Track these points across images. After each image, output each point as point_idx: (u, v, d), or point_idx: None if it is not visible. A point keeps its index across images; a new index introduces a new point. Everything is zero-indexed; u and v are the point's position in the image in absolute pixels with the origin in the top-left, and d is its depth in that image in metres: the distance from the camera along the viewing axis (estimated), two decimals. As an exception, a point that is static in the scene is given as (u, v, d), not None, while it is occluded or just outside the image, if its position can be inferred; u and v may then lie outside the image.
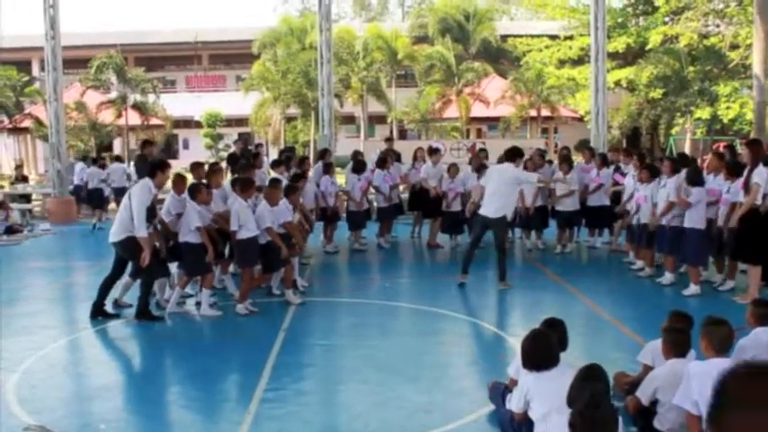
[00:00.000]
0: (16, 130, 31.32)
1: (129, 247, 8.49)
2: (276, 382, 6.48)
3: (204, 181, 9.66)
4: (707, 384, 4.22)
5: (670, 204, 9.86)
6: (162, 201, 9.48)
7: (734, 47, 28.55)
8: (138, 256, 8.41)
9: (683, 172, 9.97)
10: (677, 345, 4.98)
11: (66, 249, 15.80)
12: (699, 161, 11.36)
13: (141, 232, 8.32)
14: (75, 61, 30.01)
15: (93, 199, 18.72)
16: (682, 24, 28.58)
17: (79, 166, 19.93)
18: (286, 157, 13.07)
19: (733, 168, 9.54)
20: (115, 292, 9.17)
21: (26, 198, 21.26)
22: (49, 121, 20.04)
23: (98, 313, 8.81)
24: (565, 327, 5.27)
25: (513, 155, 10.15)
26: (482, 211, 9.96)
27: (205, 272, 8.95)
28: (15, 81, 28.51)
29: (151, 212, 8.55)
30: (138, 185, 8.68)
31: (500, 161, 10.54)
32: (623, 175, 12.43)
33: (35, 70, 39.83)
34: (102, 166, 18.94)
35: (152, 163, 9.27)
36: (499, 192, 9.84)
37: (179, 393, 6.40)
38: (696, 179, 9.55)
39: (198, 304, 9.11)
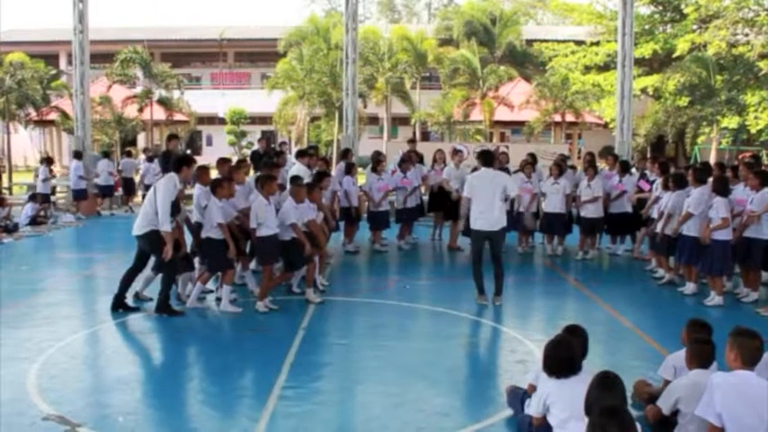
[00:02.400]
0: (42, 123, 31.60)
1: (152, 241, 8.53)
2: (294, 380, 6.48)
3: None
4: (731, 396, 4.19)
5: (688, 214, 9.77)
6: (189, 197, 9.52)
7: (763, 56, 28.25)
8: (160, 250, 8.45)
9: (709, 182, 9.87)
10: (702, 356, 4.91)
11: (88, 241, 15.90)
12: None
13: (165, 226, 8.36)
14: (102, 56, 30.23)
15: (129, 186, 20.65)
16: (710, 32, 28.30)
17: (103, 163, 19.98)
18: (314, 149, 13.15)
19: (761, 178, 9.42)
20: (137, 285, 9.22)
21: (51, 190, 21.42)
22: (75, 115, 20.22)
23: (119, 306, 8.86)
24: (586, 333, 5.23)
25: (489, 159, 9.52)
26: (481, 226, 9.28)
27: (226, 268, 8.98)
28: (43, 74, 28.73)
29: (175, 207, 8.58)
30: (163, 179, 8.70)
31: (477, 168, 9.84)
32: (649, 182, 12.34)
33: (62, 64, 40.18)
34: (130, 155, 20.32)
35: (178, 157, 9.31)
36: (490, 201, 9.22)
37: (197, 388, 6.42)
38: (722, 189, 9.44)
39: (218, 300, 9.14)
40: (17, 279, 11.25)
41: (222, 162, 10.58)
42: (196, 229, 9.10)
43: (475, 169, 12.76)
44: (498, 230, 9.29)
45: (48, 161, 19.94)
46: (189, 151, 22.99)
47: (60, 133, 34.09)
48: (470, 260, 9.70)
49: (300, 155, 12.34)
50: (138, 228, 8.60)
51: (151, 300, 9.14)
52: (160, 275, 8.95)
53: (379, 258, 13.13)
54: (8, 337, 7.88)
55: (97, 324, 8.65)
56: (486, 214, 9.23)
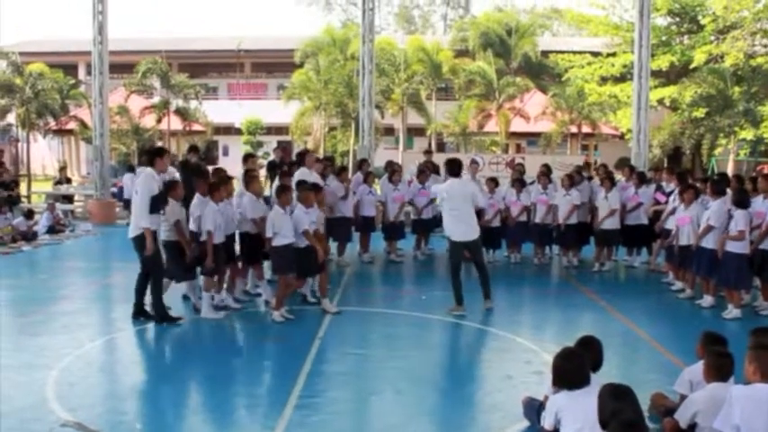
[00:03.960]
0: (61, 132, 31.86)
1: (141, 244, 8.56)
2: (311, 389, 6.49)
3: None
4: (749, 409, 4.17)
5: (709, 227, 9.72)
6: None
7: (782, 67, 28.11)
8: (149, 254, 8.53)
9: (728, 194, 9.83)
10: (721, 369, 4.88)
11: (106, 250, 16.01)
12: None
13: (143, 222, 8.43)
14: (121, 66, 30.48)
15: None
16: (728, 43, 28.17)
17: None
18: (329, 160, 13.32)
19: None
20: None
21: (69, 199, 21.64)
22: (94, 124, 20.40)
23: (139, 314, 8.88)
24: (600, 345, 5.21)
25: (457, 168, 9.54)
26: (458, 237, 9.40)
27: (212, 273, 9.03)
28: (62, 84, 28.99)
29: (159, 201, 8.63)
30: (141, 177, 8.77)
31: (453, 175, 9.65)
32: (665, 194, 12.29)
33: (81, 74, 40.50)
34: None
35: (148, 151, 9.44)
36: (465, 211, 9.38)
37: (214, 397, 6.43)
38: (742, 201, 9.39)
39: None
40: (36, 287, 11.36)
41: (248, 157, 11.11)
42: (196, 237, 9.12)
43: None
44: (473, 240, 9.47)
45: (62, 170, 20.13)
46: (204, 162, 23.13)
47: (78, 142, 34.36)
48: (449, 272, 9.79)
49: (300, 156, 12.38)
50: (131, 231, 8.69)
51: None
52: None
53: (395, 269, 13.14)
54: (27, 344, 7.97)
55: (115, 332, 8.71)
56: (462, 225, 9.38)
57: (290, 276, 9.13)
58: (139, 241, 8.56)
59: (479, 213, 13.14)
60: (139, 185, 8.56)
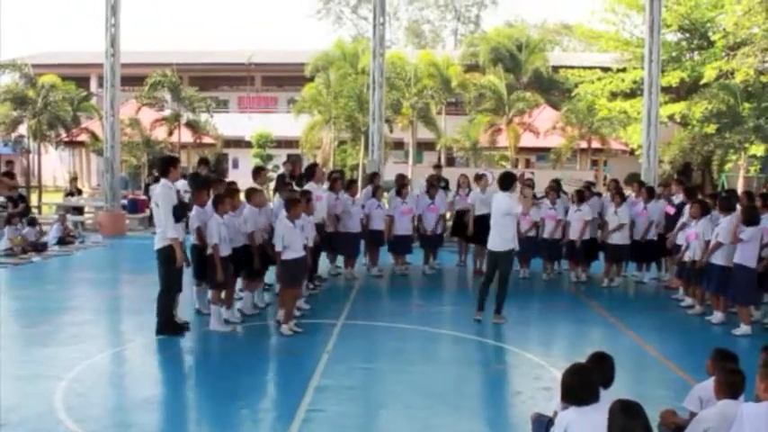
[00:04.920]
0: (72, 144, 32.01)
1: (168, 255, 8.55)
2: (319, 403, 6.49)
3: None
4: (760, 427, 4.14)
5: (718, 243, 9.69)
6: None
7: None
8: (171, 266, 8.52)
9: (738, 210, 9.80)
10: (732, 386, 4.84)
11: (115, 262, 16.07)
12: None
13: (170, 232, 8.44)
14: (132, 78, 30.60)
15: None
16: (738, 60, 28.13)
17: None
18: (339, 173, 13.46)
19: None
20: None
21: (79, 210, 21.73)
22: (105, 136, 20.49)
23: (165, 329, 8.80)
24: (612, 362, 5.18)
25: (508, 183, 9.83)
26: (490, 246, 9.84)
27: (221, 287, 9.04)
28: (74, 96, 29.13)
29: (182, 210, 8.67)
30: (158, 189, 8.74)
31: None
32: (674, 206, 12.28)
33: (93, 86, 40.75)
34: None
35: (162, 160, 9.42)
36: (499, 223, 9.71)
37: (222, 409, 6.41)
38: (752, 218, 9.36)
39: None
40: (45, 298, 11.39)
41: (258, 171, 11.21)
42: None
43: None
44: (500, 251, 9.69)
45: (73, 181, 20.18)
46: (215, 174, 23.27)
47: (89, 154, 34.52)
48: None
49: (310, 170, 12.43)
50: (156, 242, 8.68)
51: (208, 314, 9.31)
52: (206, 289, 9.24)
53: (403, 283, 13.12)
54: (37, 355, 8.00)
55: (124, 343, 8.74)
56: (493, 236, 9.77)
57: (298, 290, 9.17)
58: (165, 253, 8.57)
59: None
60: (159, 198, 8.55)
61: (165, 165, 8.92)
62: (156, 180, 9.04)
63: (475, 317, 9.81)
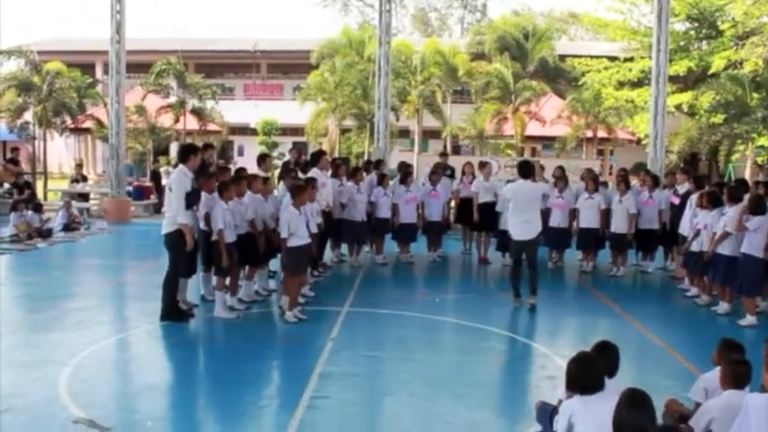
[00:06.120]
0: (77, 131, 32.00)
1: (172, 240, 8.58)
2: (323, 390, 6.48)
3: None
4: (765, 418, 4.11)
5: (725, 233, 9.65)
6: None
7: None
8: (179, 251, 8.53)
9: (745, 200, 9.74)
10: (738, 376, 4.81)
11: (121, 248, 16.10)
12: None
13: (180, 218, 8.46)
14: (137, 66, 30.58)
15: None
16: (747, 50, 27.94)
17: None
18: (344, 161, 13.47)
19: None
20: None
21: (84, 197, 21.75)
22: (110, 123, 20.48)
23: (170, 314, 8.81)
24: (617, 351, 5.16)
25: (529, 171, 9.99)
26: (517, 236, 9.86)
27: (224, 274, 9.05)
28: (79, 83, 29.11)
29: (193, 197, 8.67)
30: (174, 174, 8.83)
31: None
32: (678, 195, 12.23)
33: (98, 73, 40.68)
34: None
35: (183, 147, 9.41)
36: (531, 210, 9.80)
37: (226, 395, 6.41)
38: (759, 207, 9.31)
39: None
40: (50, 284, 11.41)
41: (262, 158, 11.38)
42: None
43: (509, 181, 12.81)
44: (530, 239, 9.81)
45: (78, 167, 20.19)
46: (222, 161, 23.27)
47: (95, 141, 34.50)
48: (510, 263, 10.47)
49: (315, 157, 12.41)
50: (165, 227, 8.70)
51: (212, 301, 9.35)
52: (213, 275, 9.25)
53: (408, 271, 13.11)
54: (41, 341, 8.01)
55: (128, 330, 8.75)
56: (519, 224, 9.80)
57: (302, 277, 9.18)
58: (172, 238, 8.58)
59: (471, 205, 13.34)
60: (174, 183, 8.61)
61: (185, 152, 8.97)
62: (176, 166, 9.04)
63: (514, 302, 10.03)
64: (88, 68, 36.62)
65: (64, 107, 27.64)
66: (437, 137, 36.49)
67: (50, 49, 36.94)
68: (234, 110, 35.87)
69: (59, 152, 37.11)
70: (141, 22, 73.37)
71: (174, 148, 34.67)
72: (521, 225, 9.79)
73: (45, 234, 15.68)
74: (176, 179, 8.61)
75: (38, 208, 16.37)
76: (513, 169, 16.54)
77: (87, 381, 6.64)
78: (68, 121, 28.86)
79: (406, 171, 13.79)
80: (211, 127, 31.31)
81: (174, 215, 8.53)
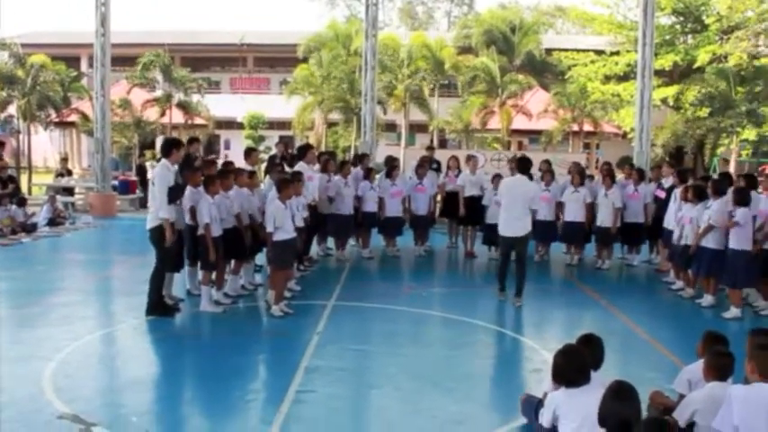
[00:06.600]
0: (62, 124, 31.83)
1: (156, 235, 8.54)
2: (309, 384, 6.48)
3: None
4: (748, 409, 4.15)
5: (710, 226, 9.70)
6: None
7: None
8: (161, 247, 8.52)
9: (729, 193, 9.80)
10: (720, 368, 4.84)
11: (106, 243, 16.02)
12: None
13: (162, 213, 8.42)
14: (123, 59, 30.38)
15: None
16: (732, 44, 28.11)
17: None
18: (330, 155, 13.43)
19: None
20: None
21: (69, 191, 21.62)
22: (95, 117, 20.36)
23: (156, 309, 8.79)
24: (601, 343, 5.19)
25: (527, 166, 9.85)
26: (507, 233, 9.69)
27: (211, 268, 9.02)
28: (64, 76, 28.93)
29: (176, 192, 8.64)
30: (157, 168, 8.79)
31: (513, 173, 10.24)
32: (663, 189, 12.28)
33: (83, 66, 40.44)
34: None
35: (166, 141, 9.36)
36: (522, 208, 9.65)
37: (212, 390, 6.40)
38: (743, 200, 9.36)
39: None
40: (35, 279, 11.34)
41: (249, 152, 11.47)
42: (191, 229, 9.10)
43: (495, 175, 12.82)
44: (521, 236, 9.68)
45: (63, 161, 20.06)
46: (213, 156, 23.25)
47: (80, 135, 34.34)
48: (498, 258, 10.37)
49: (302, 150, 12.38)
50: (149, 222, 8.66)
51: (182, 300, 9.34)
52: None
53: (395, 265, 13.11)
54: (26, 336, 7.97)
55: (114, 325, 8.71)
56: (510, 221, 9.65)
57: (289, 271, 9.17)
58: (157, 233, 8.55)
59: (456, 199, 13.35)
60: (156, 177, 8.58)
61: (167, 146, 8.92)
62: (159, 160, 8.99)
63: (499, 296, 9.99)
64: (73, 61, 36.35)
65: (48, 101, 27.46)
66: (424, 130, 36.53)
67: (35, 42, 36.68)
68: (220, 104, 35.77)
69: (44, 146, 36.87)
70: (127, 14, 72.92)
71: (159, 143, 34.54)
72: (512, 221, 9.65)
73: (29, 229, 15.57)
74: (159, 173, 8.58)
75: (22, 202, 16.25)
76: (499, 163, 16.59)
77: (72, 376, 6.60)
78: (53, 114, 28.69)
79: (391, 165, 13.77)
80: (197, 121, 31.22)
81: (156, 210, 8.50)
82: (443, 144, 35.54)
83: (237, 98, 41.00)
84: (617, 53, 31.48)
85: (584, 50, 33.21)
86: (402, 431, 5.62)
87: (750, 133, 27.75)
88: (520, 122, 31.07)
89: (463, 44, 36.62)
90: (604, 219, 12.65)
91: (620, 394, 4.08)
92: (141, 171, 23.12)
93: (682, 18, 31.66)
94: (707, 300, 10.02)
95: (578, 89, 29.53)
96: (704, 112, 28.15)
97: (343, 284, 10.94)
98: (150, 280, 8.71)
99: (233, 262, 9.76)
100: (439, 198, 14.53)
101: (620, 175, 14.06)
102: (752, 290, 10.08)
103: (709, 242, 9.75)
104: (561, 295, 11.31)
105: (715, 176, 12.97)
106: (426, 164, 14.11)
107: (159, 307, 8.72)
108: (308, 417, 5.79)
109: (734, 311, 9.33)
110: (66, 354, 7.21)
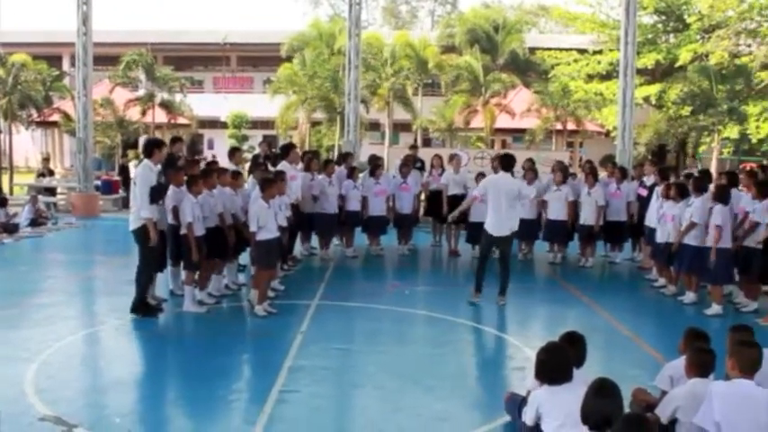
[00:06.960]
0: (44, 124, 31.60)
1: (140, 235, 8.53)
2: (292, 383, 6.47)
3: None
4: (729, 404, 4.18)
5: (692, 224, 9.76)
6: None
7: (765, 66, 28.26)
8: (145, 247, 8.49)
9: (710, 191, 9.87)
10: (702, 365, 4.87)
11: (88, 243, 15.91)
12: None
13: (144, 212, 8.41)
14: (105, 58, 30.24)
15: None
16: (713, 42, 28.31)
17: None
18: (314, 154, 13.41)
19: (763, 188, 9.41)
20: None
21: (51, 191, 21.47)
22: (78, 116, 20.20)
23: (139, 308, 8.76)
24: (584, 341, 5.21)
25: (511, 164, 9.81)
26: (492, 231, 9.56)
27: (194, 268, 8.99)
28: (45, 75, 28.72)
29: (159, 192, 8.61)
30: (139, 168, 8.77)
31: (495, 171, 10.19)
32: (646, 187, 12.34)
33: (65, 65, 40.18)
34: None
35: (148, 142, 9.37)
36: (508, 207, 9.53)
37: (195, 390, 6.38)
38: (723, 197, 9.44)
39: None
40: (16, 279, 11.26)
41: (234, 151, 11.69)
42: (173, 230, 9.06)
43: (479, 174, 12.82)
44: (506, 235, 9.61)
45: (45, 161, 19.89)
46: (199, 156, 23.15)
47: (62, 135, 34.07)
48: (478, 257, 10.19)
49: (285, 150, 12.38)
50: (131, 223, 8.64)
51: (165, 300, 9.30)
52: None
53: (379, 264, 13.11)
54: (7, 337, 7.91)
55: (96, 325, 8.67)
56: (501, 221, 9.53)
57: (272, 271, 9.16)
58: (140, 233, 8.52)
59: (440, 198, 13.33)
60: (138, 177, 8.56)
61: (149, 146, 8.93)
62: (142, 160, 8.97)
63: (472, 299, 9.73)
64: (55, 61, 36.09)
65: (30, 100, 27.26)
66: (408, 129, 36.53)
67: (15, 40, 36.32)
68: (203, 103, 35.63)
69: (26, 146, 36.61)
70: (109, 13, 72.46)
71: (142, 142, 34.35)
72: (503, 222, 9.52)
73: (11, 229, 15.44)
74: (141, 173, 8.57)
75: (3, 203, 16.12)
76: (482, 161, 16.60)
77: (54, 377, 6.56)
78: (34, 114, 28.48)
79: (375, 164, 13.76)
80: (180, 120, 31.05)
81: (138, 210, 8.47)
82: (427, 143, 35.54)
83: (221, 97, 40.88)
84: (599, 52, 31.63)
85: (567, 49, 33.31)
86: (386, 430, 5.62)
87: (731, 131, 27.95)
88: (503, 121, 31.11)
89: (447, 43, 36.66)
90: (587, 217, 12.71)
91: (603, 391, 4.10)
92: (124, 171, 22.96)
93: (664, 17, 31.83)
94: (689, 297, 10.09)
95: (560, 88, 29.62)
96: (686, 110, 28.34)
97: (326, 283, 10.93)
98: (135, 279, 8.68)
99: (216, 261, 9.72)
100: (423, 197, 14.54)
101: (602, 174, 14.11)
102: (734, 287, 10.17)
103: (691, 239, 9.82)
104: (544, 293, 11.35)
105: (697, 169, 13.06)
106: (410, 163, 14.12)
107: (142, 307, 8.68)
108: (292, 416, 5.78)
109: (715, 308, 9.40)
110: (48, 354, 7.17)
